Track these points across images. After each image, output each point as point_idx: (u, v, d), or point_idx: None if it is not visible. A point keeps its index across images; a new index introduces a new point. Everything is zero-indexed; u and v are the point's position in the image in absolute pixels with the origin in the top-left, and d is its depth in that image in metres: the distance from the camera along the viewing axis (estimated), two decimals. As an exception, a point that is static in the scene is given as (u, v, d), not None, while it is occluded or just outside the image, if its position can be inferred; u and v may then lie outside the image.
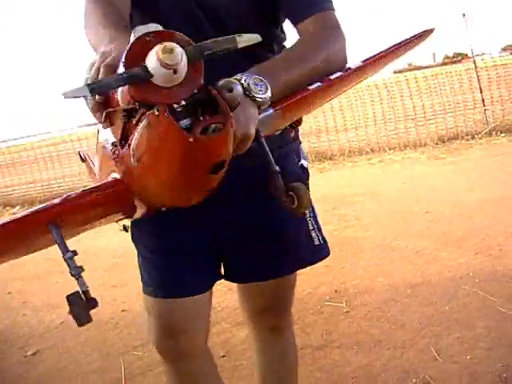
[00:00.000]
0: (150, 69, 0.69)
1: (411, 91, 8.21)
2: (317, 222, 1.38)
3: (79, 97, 0.71)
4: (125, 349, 2.87)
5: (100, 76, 0.80)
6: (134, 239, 1.37)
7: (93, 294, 0.88)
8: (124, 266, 4.26)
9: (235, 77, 0.90)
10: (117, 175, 0.94)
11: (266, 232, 1.32)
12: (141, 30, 0.72)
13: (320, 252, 1.39)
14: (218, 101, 0.76)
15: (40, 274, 4.59)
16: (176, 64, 0.67)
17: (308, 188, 1.32)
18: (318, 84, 1.05)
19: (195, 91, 0.74)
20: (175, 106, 0.73)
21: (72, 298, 0.87)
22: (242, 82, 0.91)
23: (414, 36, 1.25)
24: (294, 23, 1.18)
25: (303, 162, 1.37)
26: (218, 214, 1.26)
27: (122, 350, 2.86)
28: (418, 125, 8.03)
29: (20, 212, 0.96)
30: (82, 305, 0.87)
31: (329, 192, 5.59)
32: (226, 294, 3.11)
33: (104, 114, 0.84)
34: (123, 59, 0.73)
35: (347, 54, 1.15)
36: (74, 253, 0.89)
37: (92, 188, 0.96)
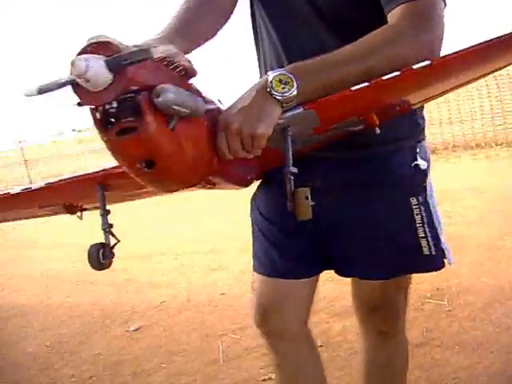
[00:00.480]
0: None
1: (523, 84, 7.81)
2: (432, 230, 1.25)
3: (31, 96, 0.79)
4: (223, 331, 2.93)
5: None
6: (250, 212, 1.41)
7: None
8: (223, 251, 4.35)
9: (269, 72, 0.95)
10: None
11: (365, 230, 1.27)
12: (91, 38, 0.81)
13: (428, 263, 1.28)
14: (140, 105, 0.81)
15: (142, 254, 4.78)
16: (81, 74, 0.75)
17: (422, 188, 1.25)
18: (365, 84, 0.96)
19: (131, 95, 0.81)
20: (107, 107, 0.81)
21: (92, 246, 1.13)
22: (268, 77, 0.94)
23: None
24: (386, 13, 1.07)
25: (420, 161, 1.25)
26: (323, 205, 1.24)
27: (220, 332, 2.93)
28: (528, 120, 7.65)
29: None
30: (96, 253, 1.12)
31: (431, 187, 5.41)
32: (324, 284, 3.09)
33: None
34: (70, 65, 0.80)
35: (436, 50, 1.00)
36: (108, 211, 1.17)
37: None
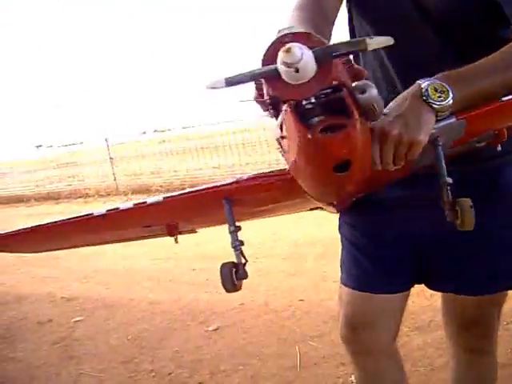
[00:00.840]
0: (278, 67, 0.73)
1: None
2: None
3: (218, 88, 0.75)
4: (301, 338, 2.92)
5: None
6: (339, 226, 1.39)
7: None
8: (303, 256, 4.33)
9: (419, 81, 0.93)
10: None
11: (468, 244, 1.22)
12: (283, 30, 0.76)
13: None
14: (346, 101, 0.77)
15: (221, 255, 4.82)
16: (294, 63, 0.70)
17: None
18: None
19: (327, 90, 0.76)
20: (304, 102, 0.76)
21: (224, 265, 1.04)
22: (422, 86, 0.92)
23: None
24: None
25: None
26: (422, 220, 1.23)
27: (297, 339, 2.92)
28: None
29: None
30: (229, 271, 1.03)
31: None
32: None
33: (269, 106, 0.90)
34: (262, 57, 0.77)
35: None
36: (239, 228, 1.06)
37: (263, 174, 1.09)
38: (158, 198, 1.13)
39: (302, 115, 0.76)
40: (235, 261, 1.06)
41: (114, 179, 11.03)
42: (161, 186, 10.22)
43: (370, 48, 0.74)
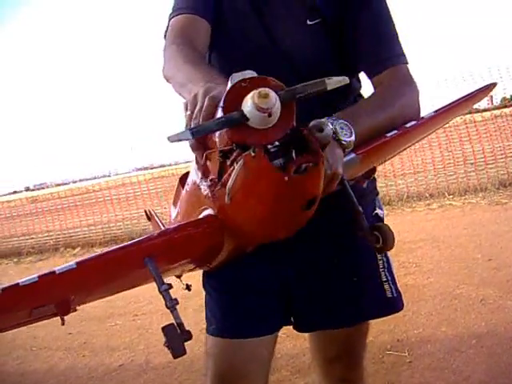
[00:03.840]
0: (246, 113, 0.73)
1: (470, 135, 8.06)
2: (391, 274, 1.35)
3: (182, 140, 0.76)
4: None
5: (204, 108, 0.85)
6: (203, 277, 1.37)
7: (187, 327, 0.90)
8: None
9: (323, 120, 0.93)
10: (211, 211, 0.97)
11: (336, 278, 1.30)
12: (237, 76, 0.77)
13: (392, 305, 1.36)
14: (310, 140, 0.80)
15: (100, 315, 4.65)
16: (270, 108, 0.72)
17: None
18: (395, 132, 1.09)
19: (288, 132, 0.78)
20: (269, 146, 0.77)
21: (168, 330, 0.90)
22: (329, 125, 0.94)
23: (478, 90, 1.30)
24: (370, 76, 1.23)
25: (378, 211, 1.36)
26: (291, 256, 1.27)
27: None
28: (478, 169, 7.85)
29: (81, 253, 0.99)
30: (177, 336, 0.89)
31: (387, 237, 5.47)
32: (284, 341, 3.07)
33: (204, 155, 0.91)
34: (222, 104, 0.78)
35: (420, 105, 1.19)
36: (170, 286, 0.93)
37: (188, 222, 1.02)
38: (70, 264, 0.91)
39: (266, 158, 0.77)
40: (174, 321, 0.92)
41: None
42: (32, 248, 9.77)
43: (329, 87, 0.76)
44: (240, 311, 1.30)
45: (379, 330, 3.13)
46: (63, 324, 1.00)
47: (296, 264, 1.29)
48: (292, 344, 3.04)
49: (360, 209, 1.04)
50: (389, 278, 1.33)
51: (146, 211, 2.03)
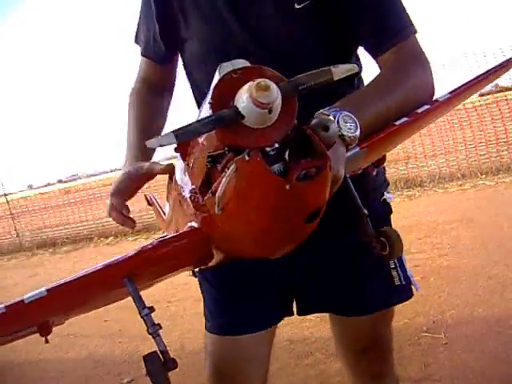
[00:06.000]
0: (240, 109, 0.62)
1: (502, 113, 7.90)
2: (400, 260, 1.26)
3: (165, 145, 0.63)
4: None
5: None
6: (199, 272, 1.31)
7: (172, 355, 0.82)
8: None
9: (323, 111, 0.82)
10: (194, 224, 0.86)
11: (343, 267, 1.25)
12: (226, 66, 0.66)
13: (400, 293, 1.28)
14: (315, 142, 0.68)
15: (131, 305, 4.69)
16: (272, 103, 0.60)
17: (390, 223, 1.28)
18: (405, 119, 0.97)
19: (288, 131, 0.66)
20: (267, 149, 0.66)
21: (149, 358, 0.80)
22: (334, 121, 0.82)
23: (499, 65, 1.17)
24: (375, 55, 1.10)
25: (386, 195, 1.28)
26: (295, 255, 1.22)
27: None
28: (510, 148, 7.70)
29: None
30: (159, 366, 0.80)
31: (420, 219, 5.46)
32: (318, 325, 3.07)
33: (192, 161, 0.79)
34: (209, 100, 0.66)
35: (434, 85, 1.06)
36: (151, 309, 0.84)
37: (168, 239, 0.90)
38: (41, 291, 0.83)
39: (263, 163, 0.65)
40: (157, 349, 0.82)
41: (17, 235, 10.59)
42: (67, 238, 9.91)
43: (335, 77, 0.65)
44: (234, 308, 1.27)
45: (414, 311, 3.10)
46: (47, 342, 0.95)
47: (298, 252, 1.23)
48: (326, 328, 3.01)
49: (365, 211, 0.94)
50: (397, 264, 1.25)
51: (146, 196, 1.79)
